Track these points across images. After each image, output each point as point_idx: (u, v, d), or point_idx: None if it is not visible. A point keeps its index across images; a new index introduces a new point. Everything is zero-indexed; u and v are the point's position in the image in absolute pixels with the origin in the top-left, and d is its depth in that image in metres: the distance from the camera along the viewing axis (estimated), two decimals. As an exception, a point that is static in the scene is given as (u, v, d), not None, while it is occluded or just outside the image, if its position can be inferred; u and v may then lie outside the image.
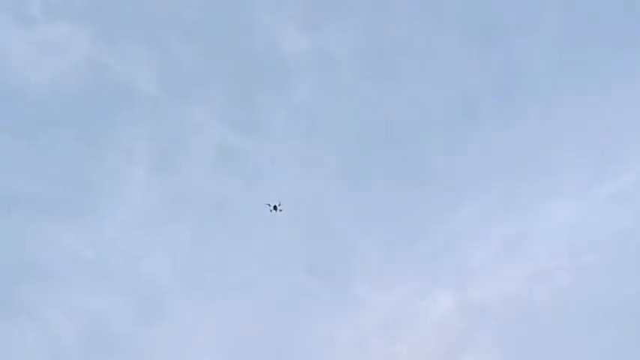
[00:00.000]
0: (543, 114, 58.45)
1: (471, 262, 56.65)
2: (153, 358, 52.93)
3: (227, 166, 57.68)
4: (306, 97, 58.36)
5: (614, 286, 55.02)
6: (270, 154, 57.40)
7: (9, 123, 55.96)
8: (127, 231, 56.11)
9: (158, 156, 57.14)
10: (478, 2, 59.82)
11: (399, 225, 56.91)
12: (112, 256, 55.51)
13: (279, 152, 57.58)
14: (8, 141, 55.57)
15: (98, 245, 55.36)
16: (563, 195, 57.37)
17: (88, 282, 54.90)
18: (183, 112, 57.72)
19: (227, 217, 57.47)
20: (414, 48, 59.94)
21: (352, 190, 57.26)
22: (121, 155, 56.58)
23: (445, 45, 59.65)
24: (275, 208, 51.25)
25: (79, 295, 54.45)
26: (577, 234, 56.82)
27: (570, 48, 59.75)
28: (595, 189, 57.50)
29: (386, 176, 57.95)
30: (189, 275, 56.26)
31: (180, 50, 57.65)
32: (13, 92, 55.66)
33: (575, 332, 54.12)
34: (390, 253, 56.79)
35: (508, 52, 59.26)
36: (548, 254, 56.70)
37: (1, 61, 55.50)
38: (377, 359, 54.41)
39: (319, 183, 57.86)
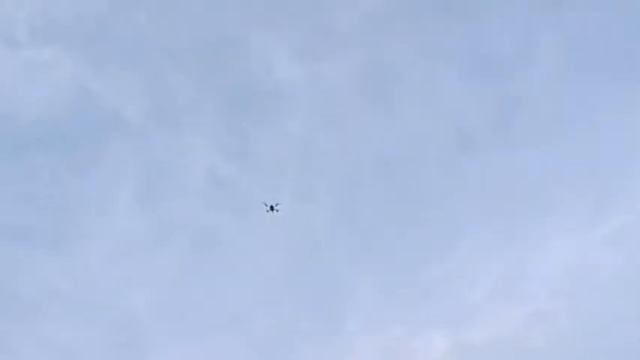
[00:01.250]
0: (541, 149, 57.44)
1: (467, 301, 54.86)
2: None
3: (216, 196, 55.75)
4: (299, 127, 56.93)
5: (613, 328, 53.54)
6: (262, 185, 55.53)
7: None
8: (108, 262, 53.78)
9: (144, 184, 55.07)
10: (476, 35, 59.15)
11: (393, 261, 55.07)
12: (92, 287, 53.06)
13: (270, 183, 55.70)
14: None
15: (78, 276, 53.00)
16: (562, 233, 55.98)
17: (66, 314, 52.23)
18: (171, 139, 55.89)
19: (215, 249, 55.33)
20: (411, 80, 58.96)
21: (346, 225, 55.49)
22: (106, 183, 54.49)
23: (442, 77, 58.75)
24: (272, 208, 50.05)
25: (55, 328, 51.72)
26: (576, 274, 55.34)
27: (568, 82, 59.15)
28: (594, 227, 56.32)
29: (381, 211, 56.29)
30: (173, 310, 53.83)
31: (170, 76, 56.12)
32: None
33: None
34: (383, 290, 54.85)
35: (506, 86, 58.48)
36: (547, 294, 55.13)
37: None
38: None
39: (312, 216, 56.03)
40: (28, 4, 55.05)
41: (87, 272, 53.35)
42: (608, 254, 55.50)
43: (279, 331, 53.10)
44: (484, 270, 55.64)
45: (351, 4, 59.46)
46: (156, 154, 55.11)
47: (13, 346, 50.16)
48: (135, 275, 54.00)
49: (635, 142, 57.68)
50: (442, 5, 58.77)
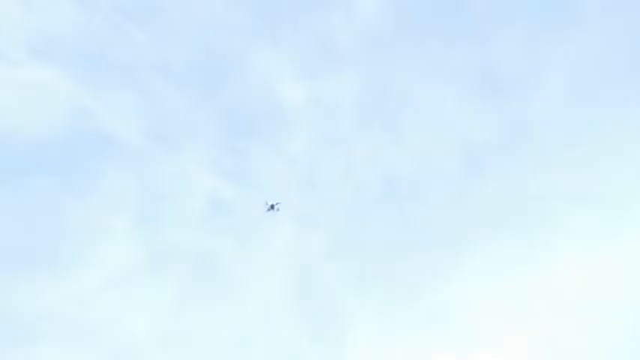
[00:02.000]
0: (548, 171, 56.44)
1: (472, 324, 53.65)
2: None
3: (216, 219, 54.75)
4: (301, 149, 55.96)
5: (621, 350, 52.29)
6: (262, 208, 54.31)
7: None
8: (107, 285, 52.73)
9: (143, 207, 54.13)
10: (482, 57, 58.13)
11: (396, 285, 53.93)
12: (91, 311, 52.12)
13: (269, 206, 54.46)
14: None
15: (77, 299, 52.03)
16: (570, 254, 54.73)
17: (65, 338, 51.31)
18: (171, 161, 54.99)
19: (215, 273, 54.27)
20: (416, 100, 57.95)
21: (348, 248, 54.41)
22: (104, 205, 53.55)
23: (448, 99, 57.77)
24: (272, 207, 49.97)
25: (54, 351, 50.72)
26: (584, 294, 53.99)
27: (574, 104, 58.13)
28: (602, 248, 54.95)
29: (384, 234, 55.25)
30: (173, 334, 52.76)
31: (169, 97, 55.18)
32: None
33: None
34: (386, 315, 53.67)
35: (512, 109, 57.52)
36: (554, 316, 53.86)
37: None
38: None
39: (313, 239, 54.89)
40: (28, 24, 54.36)
41: (86, 296, 52.47)
42: (617, 274, 54.27)
43: (280, 355, 51.99)
44: (490, 292, 54.55)
45: (354, 23, 58.70)
46: (155, 176, 54.40)
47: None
48: (134, 299, 53.00)
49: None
50: (447, 26, 57.95)
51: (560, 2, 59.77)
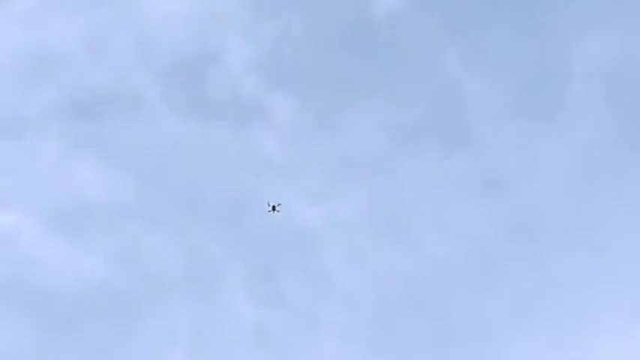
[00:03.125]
0: (558, 257, 60.22)
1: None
2: None
3: (260, 342, 58.78)
4: (324, 267, 60.54)
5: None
6: (298, 327, 58.89)
7: (45, 320, 57.63)
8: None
9: (189, 342, 58.34)
10: (476, 156, 63.52)
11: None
12: None
13: (305, 324, 59.09)
14: (45, 336, 56.97)
15: None
16: (602, 335, 57.05)
17: None
18: (208, 295, 59.68)
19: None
20: (421, 205, 62.95)
21: (384, 354, 58.25)
22: (154, 343, 57.74)
23: (451, 200, 62.81)
24: (274, 208, 52.66)
25: None
26: None
27: (574, 188, 62.64)
28: (634, 326, 57.70)
29: (411, 335, 59.10)
30: None
31: (200, 236, 60.50)
32: (52, 291, 57.87)
33: None
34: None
35: (514, 200, 62.27)
36: None
37: (41, 262, 58.25)
38: None
39: (349, 348, 58.97)
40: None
41: None
42: None
43: None
44: None
45: (356, 141, 64.54)
46: (197, 312, 58.83)
47: None
48: None
49: None
50: (441, 134, 63.73)
51: (544, 92, 65.75)
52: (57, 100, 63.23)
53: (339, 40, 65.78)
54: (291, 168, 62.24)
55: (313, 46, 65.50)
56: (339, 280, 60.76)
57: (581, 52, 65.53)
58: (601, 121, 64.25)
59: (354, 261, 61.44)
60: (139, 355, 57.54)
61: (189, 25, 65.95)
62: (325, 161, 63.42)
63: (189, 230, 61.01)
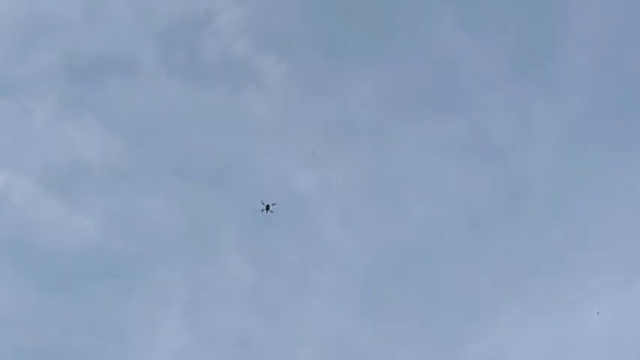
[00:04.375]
0: (550, 224, 60.54)
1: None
2: None
3: (251, 301, 59.73)
4: (317, 231, 61.11)
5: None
6: (288, 288, 59.61)
7: (42, 279, 58.46)
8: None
9: (183, 301, 59.21)
10: (472, 124, 63.74)
11: (428, 344, 57.43)
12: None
13: (298, 285, 59.84)
14: (42, 296, 57.83)
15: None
16: (597, 296, 57.91)
17: None
18: (203, 256, 60.49)
19: (256, 350, 58.69)
20: (415, 171, 63.32)
21: (372, 317, 58.71)
22: (150, 303, 58.57)
23: (444, 167, 63.12)
24: (267, 207, 52.59)
25: None
26: (610, 335, 57.06)
27: (567, 156, 63.01)
28: (626, 289, 58.28)
29: (405, 300, 59.67)
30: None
31: (195, 198, 61.17)
32: (45, 249, 58.65)
33: None
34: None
35: (507, 168, 62.65)
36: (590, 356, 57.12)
37: (34, 221, 59.01)
38: None
39: (341, 310, 59.67)
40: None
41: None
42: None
43: None
44: (521, 340, 57.78)
45: (351, 105, 64.73)
46: (192, 271, 59.70)
47: None
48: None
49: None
50: (436, 100, 63.83)
51: (540, 59, 65.67)
52: (52, 63, 63.42)
53: (331, 3, 65.80)
54: (283, 131, 62.73)
55: (306, 9, 65.56)
56: (331, 243, 61.42)
57: (577, 18, 65.43)
58: (597, 88, 64.36)
59: (346, 225, 62.05)
60: (134, 315, 58.39)
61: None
62: (318, 125, 63.81)
63: (183, 192, 61.66)
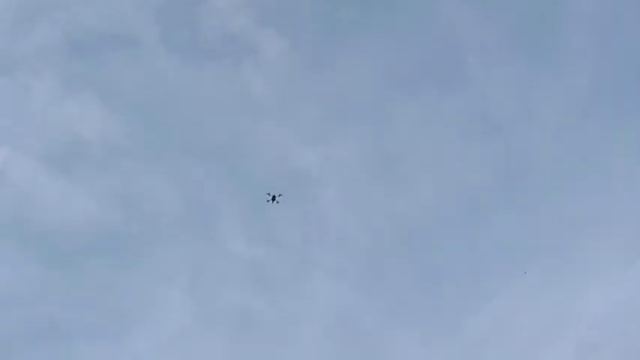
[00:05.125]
0: (554, 200, 60.77)
1: (513, 343, 57.32)
2: None
3: (254, 279, 59.98)
4: (318, 208, 61.13)
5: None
6: (290, 265, 59.81)
7: (46, 256, 58.67)
8: (159, 349, 57.95)
9: (186, 277, 59.41)
10: (474, 99, 63.36)
11: (428, 321, 57.89)
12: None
13: (299, 263, 60.02)
14: (46, 273, 58.20)
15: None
16: (599, 272, 58.50)
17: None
18: (204, 232, 60.63)
19: (258, 327, 58.90)
20: (417, 148, 63.13)
21: (375, 294, 58.97)
22: (152, 280, 58.88)
23: (447, 143, 63.00)
24: (274, 198, 52.79)
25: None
26: (612, 312, 57.69)
27: (569, 132, 62.97)
28: (627, 267, 58.67)
29: (405, 276, 59.76)
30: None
31: (197, 176, 61.12)
32: (48, 227, 58.75)
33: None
34: (428, 345, 57.38)
35: (509, 144, 62.50)
36: (588, 333, 57.32)
37: (35, 199, 58.97)
38: None
39: (342, 287, 59.86)
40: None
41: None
42: None
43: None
44: (520, 317, 58.43)
45: (352, 82, 64.31)
46: (194, 248, 59.92)
47: None
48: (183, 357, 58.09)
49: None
50: (436, 75, 63.40)
51: (542, 34, 65.09)
52: (52, 39, 63.01)
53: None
54: (284, 107, 62.46)
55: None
56: (332, 221, 61.44)
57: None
58: (599, 65, 63.90)
59: (348, 202, 62.06)
60: (136, 293, 58.62)
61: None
62: (319, 102, 63.47)
63: (185, 170, 61.50)
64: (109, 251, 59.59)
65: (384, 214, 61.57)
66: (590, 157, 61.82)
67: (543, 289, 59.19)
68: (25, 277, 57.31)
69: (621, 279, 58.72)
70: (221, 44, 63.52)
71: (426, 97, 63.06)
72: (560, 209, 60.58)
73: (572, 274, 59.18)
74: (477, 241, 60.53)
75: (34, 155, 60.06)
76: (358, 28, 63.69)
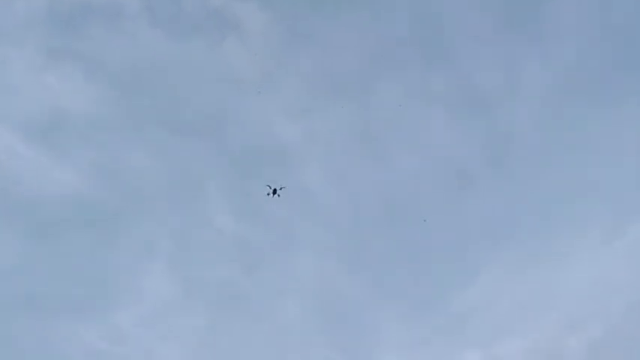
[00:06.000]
0: (539, 176, 60.86)
1: (492, 322, 57.81)
2: None
3: (236, 253, 59.75)
4: (302, 183, 60.79)
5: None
6: (273, 240, 59.64)
7: (26, 229, 58.28)
8: (141, 322, 57.60)
9: (169, 250, 59.22)
10: (459, 75, 63.16)
11: (412, 295, 58.37)
12: (126, 346, 56.50)
13: (282, 238, 59.88)
14: (27, 246, 57.86)
15: (112, 336, 56.54)
16: (581, 249, 58.89)
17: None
18: (187, 206, 60.26)
19: (241, 301, 59.02)
20: (401, 123, 62.83)
21: (359, 269, 58.99)
22: (134, 254, 58.60)
23: (431, 119, 62.75)
24: (275, 191, 51.53)
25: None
26: (597, 287, 58.09)
27: (555, 109, 62.80)
28: (611, 241, 59.13)
29: (390, 251, 59.83)
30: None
31: (180, 150, 60.63)
32: (29, 200, 58.38)
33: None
34: (409, 322, 57.94)
35: (494, 121, 62.31)
36: (575, 308, 58.03)
37: (16, 172, 58.44)
38: None
39: (327, 262, 59.85)
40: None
41: (122, 332, 56.99)
42: (627, 264, 58.36)
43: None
44: (505, 291, 58.92)
45: (333, 59, 63.90)
46: (177, 222, 59.69)
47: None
48: (165, 332, 57.89)
49: (635, 158, 61.10)
50: (424, 51, 63.11)
51: (529, 12, 64.83)
52: (33, 10, 62.10)
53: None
54: (267, 82, 61.84)
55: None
56: (316, 196, 61.18)
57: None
58: (585, 41, 63.69)
59: (331, 178, 61.82)
60: (118, 266, 58.34)
61: None
62: (303, 76, 62.94)
63: (167, 143, 60.85)
64: (91, 224, 59.28)
65: (368, 188, 61.54)
66: (575, 133, 61.91)
67: (527, 265, 59.59)
68: (2, 250, 57.00)
69: (605, 255, 59.31)
70: (204, 18, 62.91)
71: (411, 72, 62.85)
72: (544, 185, 60.89)
73: (555, 249, 59.60)
74: (461, 217, 60.72)
75: (14, 127, 59.42)
76: (343, 1, 63.34)
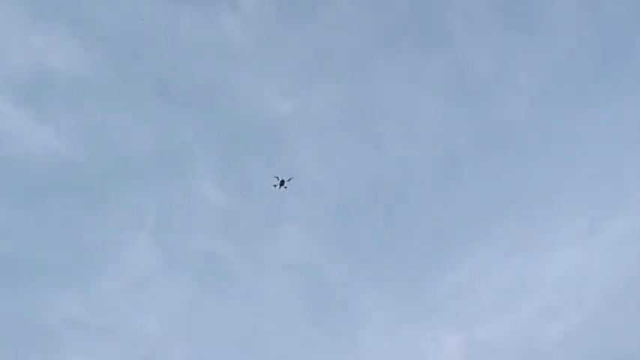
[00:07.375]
0: (528, 166, 61.52)
1: (475, 306, 58.47)
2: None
3: (223, 226, 59.12)
4: (292, 161, 60.35)
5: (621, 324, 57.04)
6: (260, 214, 59.13)
7: (8, 192, 56.72)
8: (124, 291, 56.77)
9: (155, 220, 58.26)
10: (453, 62, 63.21)
11: (398, 279, 58.67)
12: (108, 315, 56.00)
13: (270, 213, 59.36)
14: (8, 210, 56.35)
15: (95, 305, 55.87)
16: (563, 239, 59.70)
17: (85, 341, 55.11)
18: (176, 177, 59.30)
19: (225, 276, 58.52)
20: (394, 107, 62.81)
21: (345, 248, 59.05)
22: (119, 222, 57.56)
23: (424, 104, 62.79)
24: (282, 183, 50.12)
25: (76, 354, 54.58)
26: (579, 275, 59.13)
27: (548, 101, 63.24)
28: (594, 235, 60.05)
29: (376, 234, 59.93)
30: (185, 332, 56.81)
31: (168, 118, 59.56)
32: (11, 163, 56.65)
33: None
34: (392, 301, 58.34)
35: (486, 109, 62.58)
36: (555, 295, 58.97)
37: None
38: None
39: (313, 241, 59.60)
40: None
41: (104, 301, 56.26)
42: (612, 254, 59.24)
43: (292, 346, 56.64)
44: (488, 277, 59.45)
45: (330, 37, 63.38)
46: (164, 191, 58.73)
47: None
48: (149, 302, 57.14)
49: (621, 152, 61.97)
50: (420, 36, 62.92)
51: (528, 5, 65.24)
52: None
53: None
54: (261, 55, 61.00)
55: None
56: (305, 173, 60.63)
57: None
58: (582, 35, 64.12)
59: (321, 155, 61.49)
60: (101, 233, 57.24)
61: None
62: (298, 52, 62.32)
63: (156, 112, 59.78)
64: (74, 189, 57.99)
65: (358, 168, 61.46)
66: (567, 125, 62.62)
67: (510, 252, 60.39)
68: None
69: (584, 246, 60.29)
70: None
71: (407, 55, 62.70)
72: (531, 174, 61.54)
73: (538, 238, 60.58)
74: (448, 202, 61.15)
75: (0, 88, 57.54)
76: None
